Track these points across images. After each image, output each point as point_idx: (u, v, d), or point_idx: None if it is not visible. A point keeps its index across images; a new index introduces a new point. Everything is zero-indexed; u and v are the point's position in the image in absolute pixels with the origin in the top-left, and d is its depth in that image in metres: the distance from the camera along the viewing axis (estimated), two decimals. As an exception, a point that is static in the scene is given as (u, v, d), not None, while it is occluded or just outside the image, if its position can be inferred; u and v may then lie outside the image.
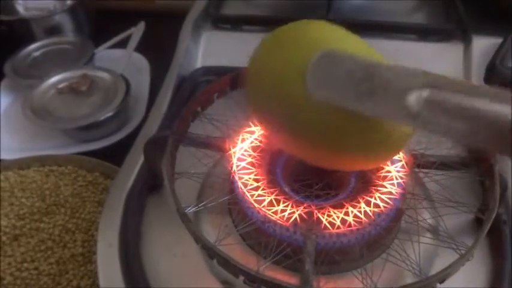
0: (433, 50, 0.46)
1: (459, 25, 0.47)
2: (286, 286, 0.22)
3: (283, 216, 0.26)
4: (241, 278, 0.24)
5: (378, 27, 0.47)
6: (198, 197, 0.32)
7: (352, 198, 0.28)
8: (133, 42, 0.58)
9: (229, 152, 0.30)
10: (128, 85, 0.51)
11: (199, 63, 0.48)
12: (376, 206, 0.27)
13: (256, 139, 0.31)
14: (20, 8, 0.63)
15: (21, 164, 0.45)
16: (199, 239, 0.25)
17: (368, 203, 0.27)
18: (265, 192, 0.28)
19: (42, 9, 0.63)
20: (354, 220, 0.26)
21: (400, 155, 0.30)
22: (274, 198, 0.27)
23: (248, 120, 0.32)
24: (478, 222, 0.31)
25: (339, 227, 0.26)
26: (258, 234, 0.28)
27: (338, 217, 0.26)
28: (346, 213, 0.26)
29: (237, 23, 0.50)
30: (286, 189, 0.29)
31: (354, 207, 0.27)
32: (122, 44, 0.59)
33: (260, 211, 0.27)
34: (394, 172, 0.29)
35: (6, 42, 0.58)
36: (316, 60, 0.23)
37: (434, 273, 0.24)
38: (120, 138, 0.48)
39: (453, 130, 0.19)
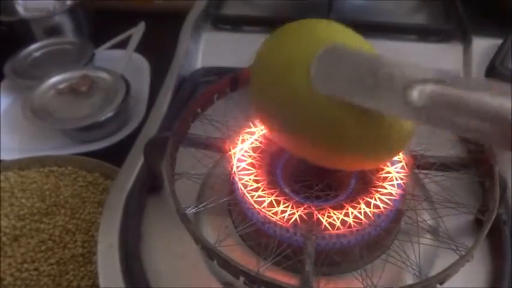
0: (433, 51, 0.46)
1: (459, 26, 0.47)
2: (286, 287, 0.22)
3: (283, 217, 0.26)
4: (242, 278, 0.24)
5: (378, 28, 0.47)
6: (198, 197, 0.32)
7: (352, 199, 0.28)
8: (134, 43, 0.58)
9: (229, 152, 0.30)
10: (128, 85, 0.51)
11: (199, 63, 0.48)
12: (376, 207, 0.27)
13: (256, 140, 0.31)
14: (20, 8, 0.63)
15: (21, 165, 0.45)
16: (199, 240, 0.25)
17: (368, 204, 0.27)
18: (265, 193, 0.28)
19: (42, 10, 0.63)
20: (353, 221, 0.26)
21: (400, 156, 0.30)
22: (274, 199, 0.27)
23: (248, 121, 0.32)
24: (478, 223, 0.31)
25: (339, 228, 0.26)
26: (258, 235, 0.28)
27: (338, 218, 0.26)
28: (346, 214, 0.26)
29: (237, 24, 0.50)
30: (286, 190, 0.29)
31: (354, 208, 0.27)
32: (122, 45, 0.59)
33: (260, 212, 0.27)
34: (394, 173, 0.29)
35: (6, 43, 0.58)
36: (321, 54, 0.24)
37: (434, 274, 0.24)
38: (120, 139, 0.48)
39: (455, 124, 0.19)
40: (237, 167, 0.29)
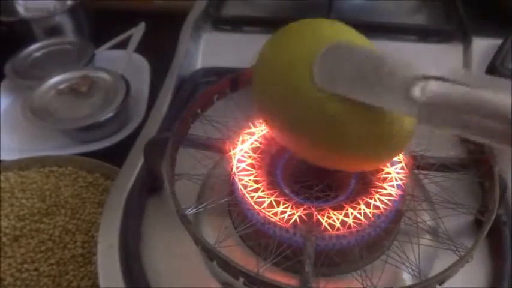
0: (433, 51, 0.46)
1: (459, 26, 0.47)
2: (286, 288, 0.22)
3: (283, 217, 0.26)
4: (241, 279, 0.24)
5: (379, 28, 0.47)
6: (198, 198, 0.32)
7: (352, 199, 0.28)
8: (134, 43, 0.58)
9: (229, 153, 0.30)
10: (128, 86, 0.51)
11: (199, 64, 0.48)
12: (376, 207, 0.27)
13: (256, 140, 0.31)
14: (20, 8, 0.63)
15: (21, 165, 0.45)
16: (199, 241, 0.25)
17: (368, 205, 0.27)
18: (265, 194, 0.28)
19: (42, 10, 0.63)
20: (353, 222, 0.26)
21: (400, 157, 0.30)
22: (274, 200, 0.27)
23: (248, 121, 0.32)
24: (478, 224, 0.31)
25: (338, 229, 0.26)
26: (257, 235, 0.28)
27: (338, 219, 0.26)
28: (346, 215, 0.26)
29: (237, 24, 0.50)
30: (286, 191, 0.29)
31: (354, 208, 0.27)
32: (122, 45, 0.59)
33: (260, 213, 0.27)
34: (393, 174, 0.29)
35: (7, 43, 0.58)
36: (324, 52, 0.24)
37: (434, 274, 0.24)
38: (120, 139, 0.48)
39: (456, 121, 0.19)
40: (237, 168, 0.29)
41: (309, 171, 0.30)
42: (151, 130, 0.38)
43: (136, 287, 0.28)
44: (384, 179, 0.29)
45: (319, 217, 0.26)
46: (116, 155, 0.41)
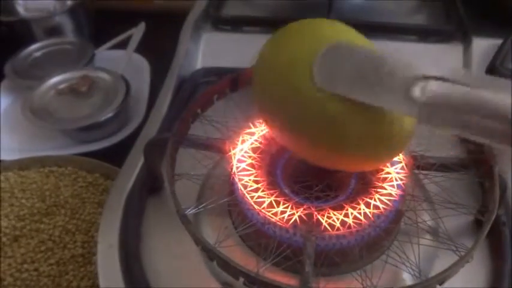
0: (433, 51, 0.46)
1: (459, 26, 0.47)
2: (286, 288, 0.22)
3: (283, 217, 0.26)
4: (241, 279, 0.24)
5: (379, 28, 0.47)
6: (198, 198, 0.32)
7: (352, 199, 0.28)
8: (134, 43, 0.58)
9: (229, 153, 0.30)
10: (128, 86, 0.51)
11: (199, 64, 0.48)
12: (376, 207, 0.27)
13: (256, 140, 0.31)
14: (20, 8, 0.63)
15: (21, 165, 0.45)
16: (199, 241, 0.25)
17: (368, 205, 0.27)
18: (265, 194, 0.28)
19: (42, 10, 0.63)
20: (353, 222, 0.26)
21: (400, 157, 0.30)
22: (274, 200, 0.27)
23: (248, 121, 0.32)
24: (478, 224, 0.31)
25: (338, 229, 0.26)
26: (257, 235, 0.28)
27: (338, 219, 0.26)
28: (346, 215, 0.26)
29: (237, 24, 0.50)
30: (286, 191, 0.29)
31: (354, 208, 0.27)
32: (122, 45, 0.59)
33: (260, 213, 0.27)
34: (393, 174, 0.29)
35: (7, 43, 0.58)
36: (324, 52, 0.24)
37: (434, 274, 0.24)
38: (120, 139, 0.48)
39: (456, 121, 0.19)
40: (237, 168, 0.29)
41: (309, 171, 0.30)
42: (151, 130, 0.38)
43: (136, 287, 0.28)
44: (384, 179, 0.29)
45: (319, 217, 0.26)
46: (116, 155, 0.41)
